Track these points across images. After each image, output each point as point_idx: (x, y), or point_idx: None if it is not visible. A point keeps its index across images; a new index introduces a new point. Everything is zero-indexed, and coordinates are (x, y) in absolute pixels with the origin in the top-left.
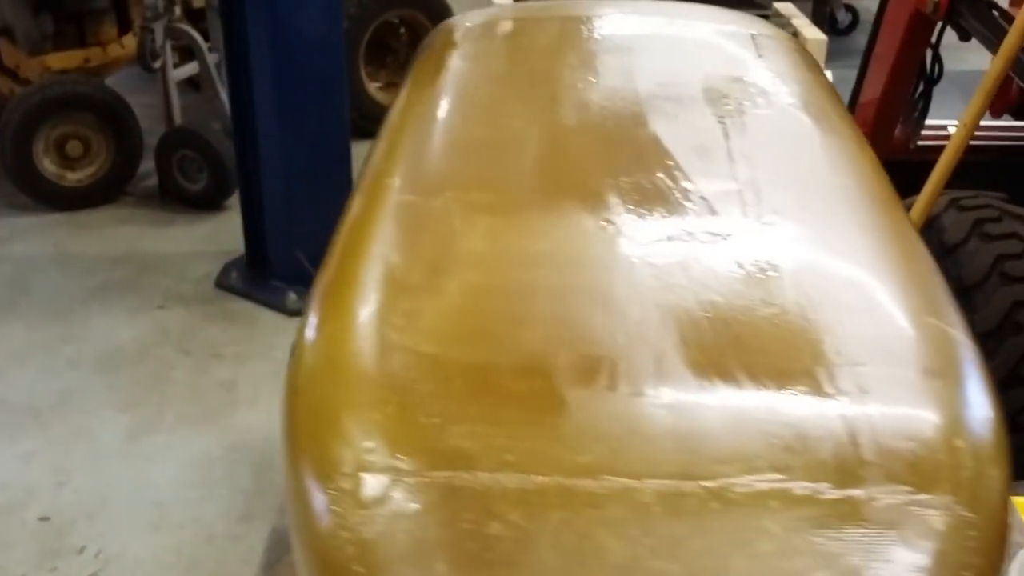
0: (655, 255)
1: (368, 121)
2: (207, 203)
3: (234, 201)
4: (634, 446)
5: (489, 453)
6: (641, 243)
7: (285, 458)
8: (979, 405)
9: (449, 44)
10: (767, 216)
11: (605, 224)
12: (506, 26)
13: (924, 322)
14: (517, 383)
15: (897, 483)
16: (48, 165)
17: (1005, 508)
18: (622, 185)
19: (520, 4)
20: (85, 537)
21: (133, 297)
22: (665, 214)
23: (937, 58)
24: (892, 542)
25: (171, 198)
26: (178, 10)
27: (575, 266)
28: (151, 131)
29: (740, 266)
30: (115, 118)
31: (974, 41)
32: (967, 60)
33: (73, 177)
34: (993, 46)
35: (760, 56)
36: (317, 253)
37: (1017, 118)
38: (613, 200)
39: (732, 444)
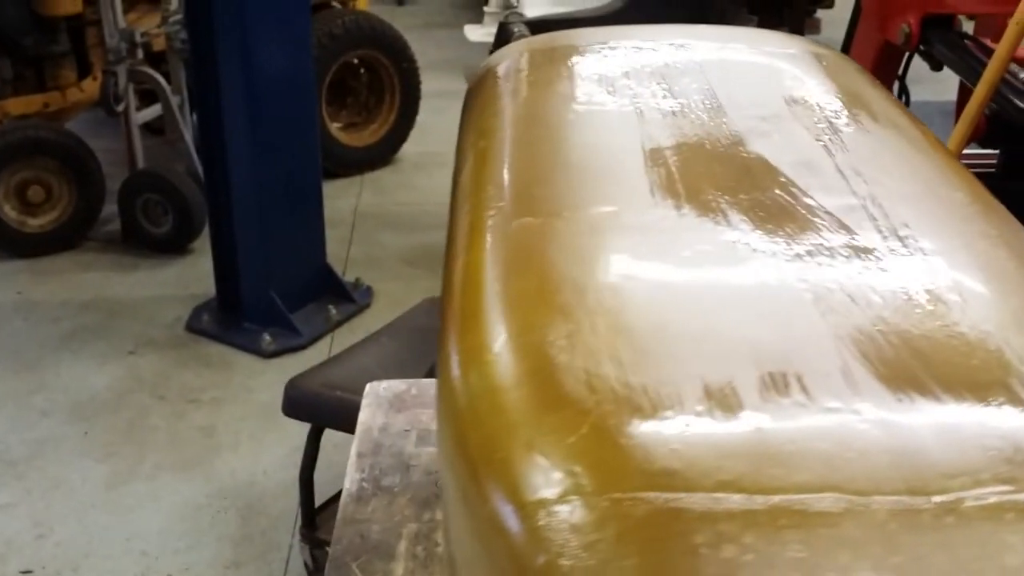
0: (802, 270)
1: (331, 161)
2: (172, 246)
3: (199, 244)
4: (850, 462)
5: (702, 473)
6: (783, 258)
7: (466, 493)
8: None
9: (507, 73)
10: (901, 229)
11: (738, 240)
12: (562, 53)
13: None
14: (706, 401)
15: None
16: (9, 211)
17: None
18: (741, 202)
19: (565, 32)
20: None
21: (103, 344)
22: (796, 230)
23: (904, 89)
24: None
25: (135, 242)
26: (140, 53)
27: (722, 282)
28: (112, 175)
29: (893, 279)
30: (77, 163)
31: (919, 74)
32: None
33: (35, 223)
34: (968, 75)
35: (829, 76)
36: (291, 293)
37: (983, 146)
38: (737, 216)
39: (950, 457)
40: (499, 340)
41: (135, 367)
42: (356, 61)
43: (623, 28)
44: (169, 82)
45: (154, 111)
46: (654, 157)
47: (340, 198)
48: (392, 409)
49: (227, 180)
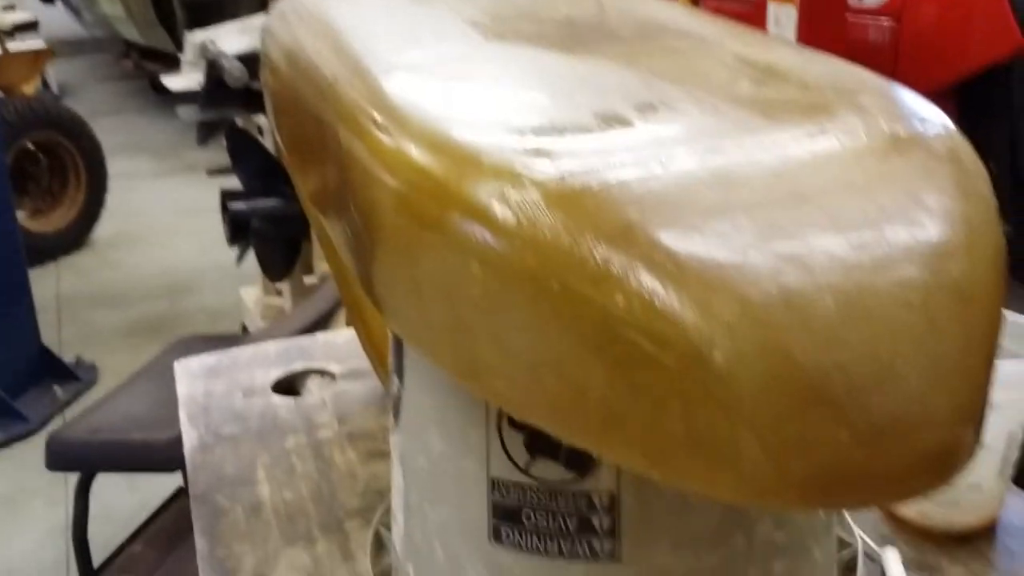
0: (621, 52)
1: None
2: None
3: None
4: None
5: (638, 166)
6: (592, 46)
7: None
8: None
9: (299, 12)
10: (690, 33)
11: (563, 40)
12: None
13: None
14: (603, 118)
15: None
16: None
17: None
18: (561, 36)
19: None
20: None
21: None
22: (588, 38)
23: None
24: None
25: None
26: None
27: (563, 64)
28: None
29: (690, 48)
30: None
31: None
32: None
33: None
34: None
35: None
36: (9, 381)
37: None
38: (561, 40)
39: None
40: (415, 131)
41: None
42: (32, 146)
43: None
44: None
45: None
46: (471, 26)
47: (38, 285)
48: (209, 378)
49: None
